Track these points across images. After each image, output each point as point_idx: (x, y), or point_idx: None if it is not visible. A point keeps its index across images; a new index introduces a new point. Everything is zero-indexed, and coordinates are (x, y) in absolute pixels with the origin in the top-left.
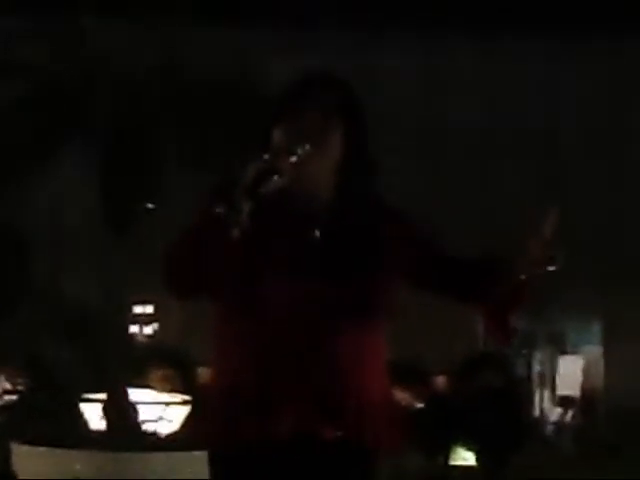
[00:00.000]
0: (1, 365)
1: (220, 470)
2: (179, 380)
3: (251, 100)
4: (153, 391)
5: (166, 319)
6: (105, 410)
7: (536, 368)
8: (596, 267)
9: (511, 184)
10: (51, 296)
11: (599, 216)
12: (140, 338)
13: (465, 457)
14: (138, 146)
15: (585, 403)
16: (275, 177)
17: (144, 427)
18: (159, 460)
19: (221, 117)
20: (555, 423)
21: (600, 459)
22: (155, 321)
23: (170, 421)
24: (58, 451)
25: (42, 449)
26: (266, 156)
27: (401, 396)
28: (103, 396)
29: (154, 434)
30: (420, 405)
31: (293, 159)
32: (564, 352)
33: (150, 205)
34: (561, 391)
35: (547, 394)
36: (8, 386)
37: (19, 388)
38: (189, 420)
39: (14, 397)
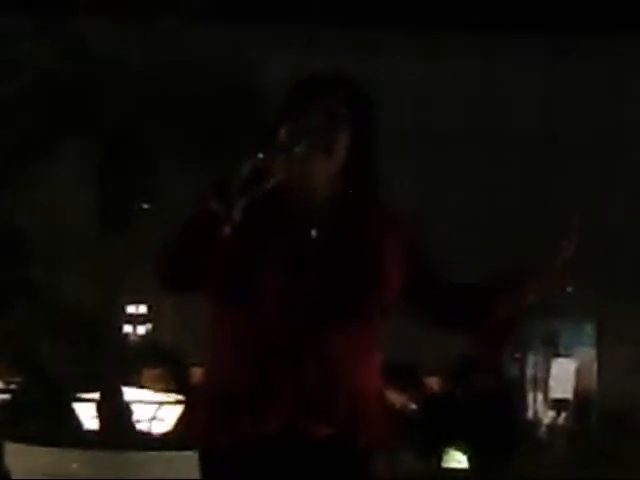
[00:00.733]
0: None
1: (211, 468)
2: (173, 380)
3: (251, 100)
4: (147, 390)
5: (160, 319)
6: (99, 409)
7: (529, 371)
8: (589, 270)
9: (511, 184)
10: (45, 295)
11: (593, 218)
12: (134, 338)
13: (458, 459)
14: (136, 146)
15: (578, 406)
16: (269, 175)
17: (138, 426)
18: (153, 459)
19: (221, 117)
20: (548, 426)
21: (593, 462)
22: (149, 321)
23: (164, 420)
24: (51, 450)
25: (35, 448)
26: (261, 154)
27: (394, 397)
28: (97, 395)
29: (148, 433)
30: (413, 407)
31: (290, 157)
32: (557, 355)
33: (145, 205)
34: (554, 394)
35: (540, 397)
36: (1, 385)
37: (12, 387)
38: (182, 419)
39: (7, 396)
